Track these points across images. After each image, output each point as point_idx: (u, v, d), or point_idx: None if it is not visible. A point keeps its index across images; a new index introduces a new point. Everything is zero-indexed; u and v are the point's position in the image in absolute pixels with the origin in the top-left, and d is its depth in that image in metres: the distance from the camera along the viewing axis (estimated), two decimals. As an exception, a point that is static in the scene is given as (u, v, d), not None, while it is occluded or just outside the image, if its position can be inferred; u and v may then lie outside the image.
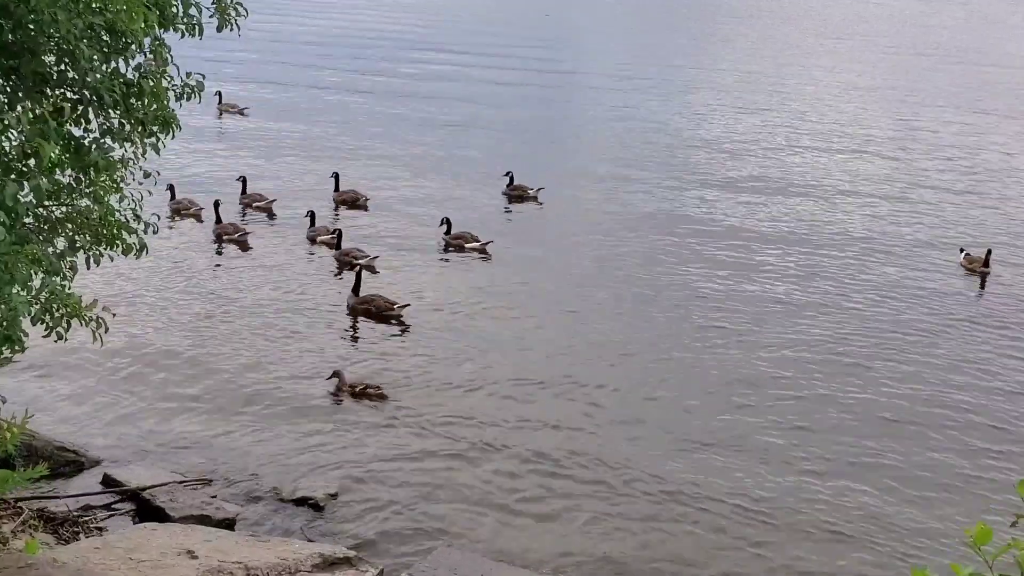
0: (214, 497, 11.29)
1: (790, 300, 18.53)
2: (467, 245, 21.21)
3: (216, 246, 20.84)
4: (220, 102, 32.98)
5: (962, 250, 20.84)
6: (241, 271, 19.36)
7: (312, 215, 21.66)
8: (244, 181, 23.95)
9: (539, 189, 24.85)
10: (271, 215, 23.21)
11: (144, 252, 8.41)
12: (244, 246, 20.98)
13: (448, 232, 21.42)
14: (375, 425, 13.28)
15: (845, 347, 16.43)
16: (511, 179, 25.15)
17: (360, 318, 17.25)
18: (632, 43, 62.28)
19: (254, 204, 23.48)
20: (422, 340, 16.40)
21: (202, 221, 22.12)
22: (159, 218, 8.79)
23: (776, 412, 14.14)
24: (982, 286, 19.88)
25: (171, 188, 22.30)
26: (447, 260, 20.68)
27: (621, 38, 65.34)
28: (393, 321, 17.14)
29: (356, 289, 17.64)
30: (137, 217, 8.53)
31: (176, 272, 18.82)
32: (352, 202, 24.17)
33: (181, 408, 13.50)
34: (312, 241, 21.18)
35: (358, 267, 18.16)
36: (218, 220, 21.57)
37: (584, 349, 16.16)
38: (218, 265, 19.70)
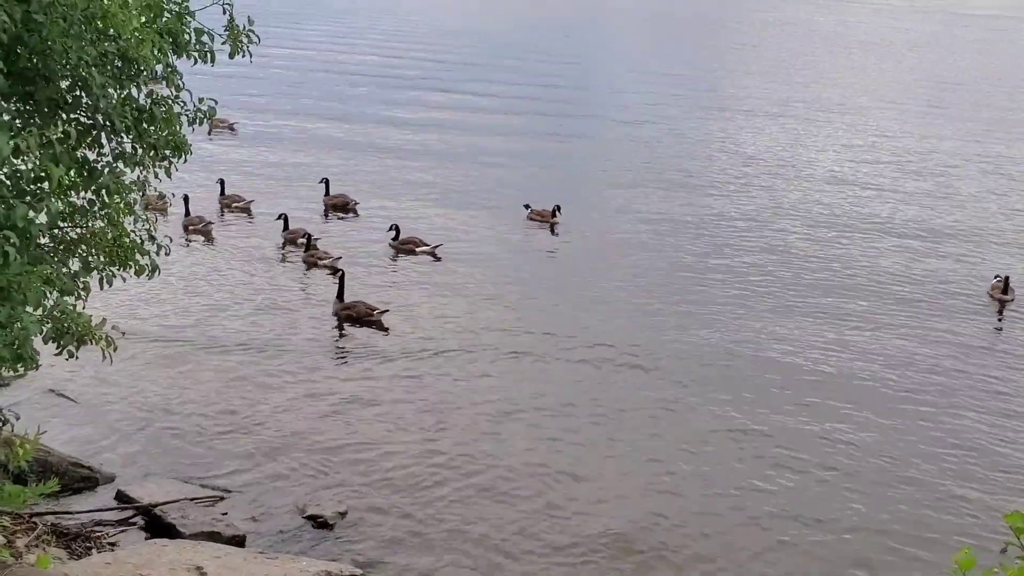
0: (225, 514, 11.42)
1: (804, 323, 18.54)
2: (417, 249, 21.73)
3: (185, 240, 21.55)
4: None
5: (997, 276, 20.74)
6: (222, 277, 19.81)
7: (285, 218, 22.22)
8: (222, 183, 24.83)
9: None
10: (249, 214, 24.05)
11: (156, 273, 8.61)
12: (209, 236, 21.97)
13: (396, 238, 21.88)
14: (388, 444, 13.37)
15: (855, 362, 16.54)
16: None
17: (344, 323, 17.74)
18: (653, 64, 62.36)
19: (233, 205, 24.27)
20: (407, 347, 16.71)
21: (165, 212, 22.02)
22: (171, 240, 8.96)
23: (783, 424, 14.28)
24: (999, 313, 19.80)
25: (143, 184, 22.69)
26: (432, 267, 21.13)
27: (641, 59, 65.48)
28: (375, 327, 17.59)
29: (340, 295, 18.10)
30: (152, 238, 8.72)
31: (161, 277, 19.07)
32: (343, 206, 24.90)
33: (193, 424, 13.64)
34: (292, 243, 21.77)
35: (342, 273, 18.58)
36: (187, 213, 22.45)
37: (571, 364, 16.37)
38: (200, 274, 19.94)
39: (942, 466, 13.54)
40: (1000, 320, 19.61)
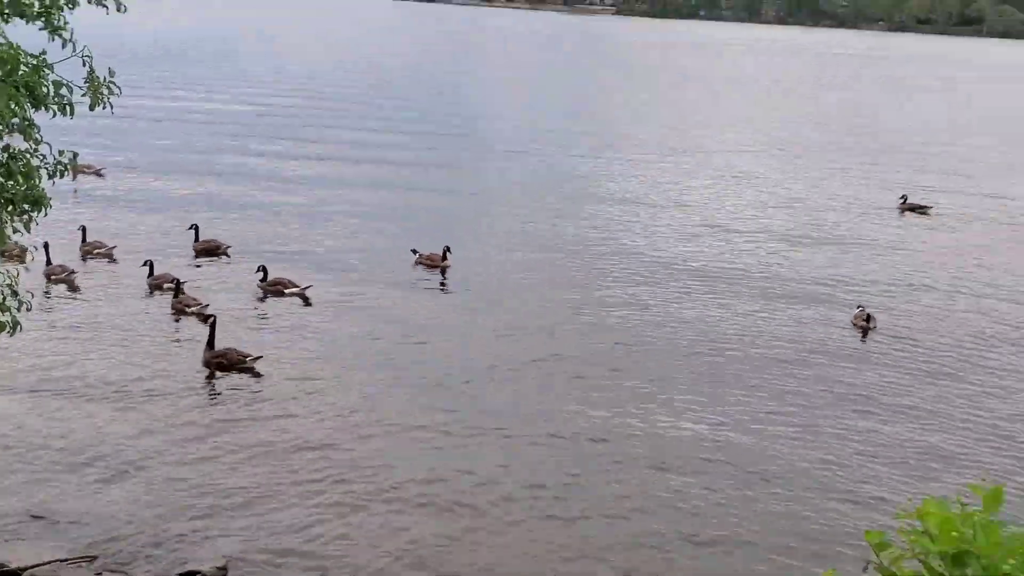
0: (99, 575, 11.07)
1: (678, 352, 19.06)
2: (286, 291, 21.58)
3: (46, 290, 20.91)
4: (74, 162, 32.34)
5: (859, 306, 21.69)
6: (84, 321, 19.35)
7: (151, 264, 21.89)
8: (84, 230, 24.34)
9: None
10: (112, 260, 23.49)
11: (18, 329, 8.36)
12: (72, 285, 21.43)
13: (264, 279, 21.74)
14: (266, 492, 13.15)
15: (729, 374, 17.14)
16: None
17: (216, 371, 17.29)
18: (531, 108, 63.25)
19: (95, 251, 23.76)
20: (282, 391, 16.50)
21: (24, 263, 19.42)
22: (32, 295, 8.73)
23: (659, 447, 14.80)
24: (863, 339, 20.68)
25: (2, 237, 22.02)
26: (308, 310, 20.99)
27: (521, 103, 66.36)
28: (248, 373, 17.25)
29: (211, 342, 17.68)
30: (14, 293, 8.48)
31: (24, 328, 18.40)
32: (214, 250, 24.64)
33: (63, 480, 13.19)
34: (158, 289, 21.40)
35: (213, 319, 18.10)
36: (48, 261, 21.93)
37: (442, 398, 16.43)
38: (65, 324, 19.33)
39: (808, 482, 14.17)
40: (863, 341, 20.48)
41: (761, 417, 16.42)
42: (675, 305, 22.15)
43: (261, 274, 21.91)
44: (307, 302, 21.46)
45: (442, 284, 23.65)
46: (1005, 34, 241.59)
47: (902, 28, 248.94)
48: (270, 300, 21.44)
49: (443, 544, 12.18)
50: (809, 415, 16.59)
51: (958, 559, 3.50)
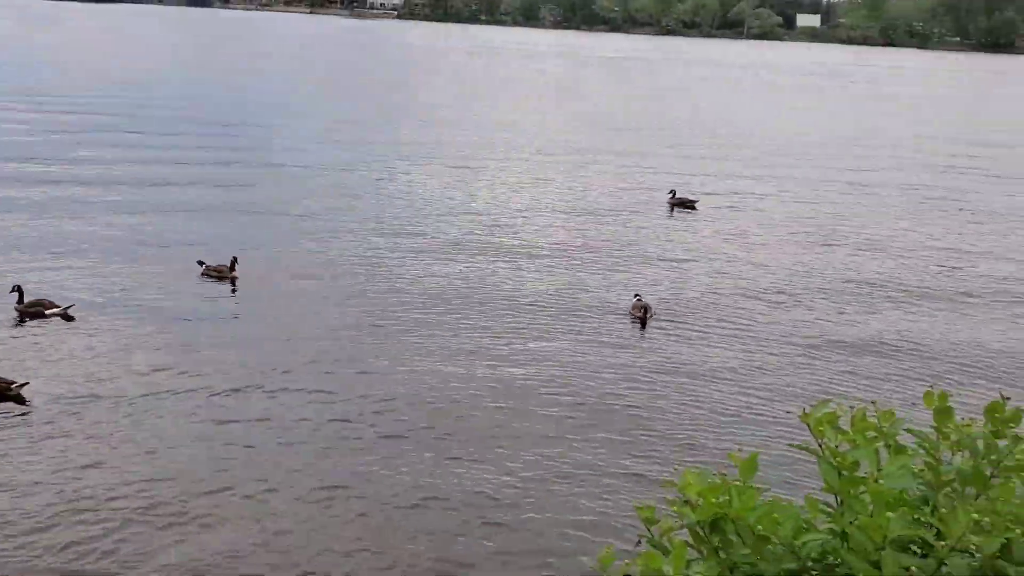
0: None
1: (466, 346, 19.25)
2: (47, 311, 20.31)
3: None
4: None
5: (637, 295, 22.54)
6: None
7: None
8: None
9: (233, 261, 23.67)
10: None
11: None
12: None
13: (20, 301, 20.42)
14: (27, 538, 12.37)
15: (519, 370, 17.39)
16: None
17: None
18: (318, 116, 62.38)
19: None
20: (51, 419, 15.56)
21: None
22: None
23: (458, 435, 14.90)
24: (642, 329, 21.48)
25: None
26: (75, 329, 19.79)
27: (305, 112, 65.35)
28: (13, 403, 16.07)
29: None
30: None
31: None
32: None
33: None
34: None
35: None
36: None
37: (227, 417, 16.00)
38: None
39: (587, 463, 14.71)
40: (644, 332, 21.27)
41: (543, 404, 16.84)
42: (459, 321, 21.53)
43: (17, 295, 20.38)
44: (70, 320, 20.18)
45: (227, 292, 23.00)
46: (762, 36, 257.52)
47: (670, 32, 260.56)
48: (31, 323, 20.04)
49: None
50: (591, 403, 17.11)
51: (716, 525, 3.60)
